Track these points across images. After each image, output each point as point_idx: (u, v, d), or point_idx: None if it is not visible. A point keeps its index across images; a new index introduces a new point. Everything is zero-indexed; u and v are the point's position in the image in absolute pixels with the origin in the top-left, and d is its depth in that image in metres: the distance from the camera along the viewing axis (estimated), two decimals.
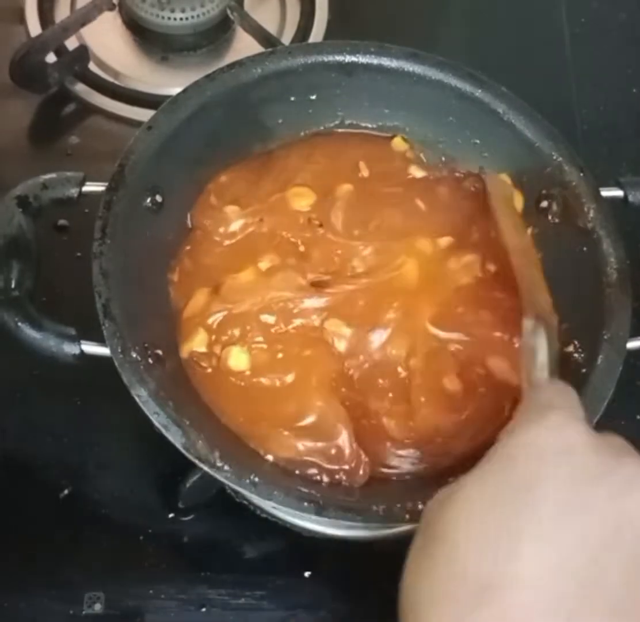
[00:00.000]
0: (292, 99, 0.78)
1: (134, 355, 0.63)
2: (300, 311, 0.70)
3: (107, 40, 0.99)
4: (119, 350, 0.63)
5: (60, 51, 0.95)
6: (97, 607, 0.71)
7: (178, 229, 0.75)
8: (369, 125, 0.81)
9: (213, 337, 0.69)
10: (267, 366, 0.69)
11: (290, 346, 0.69)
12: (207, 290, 0.71)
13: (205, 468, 0.61)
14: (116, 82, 0.96)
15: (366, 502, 0.62)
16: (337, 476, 0.66)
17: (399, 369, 0.70)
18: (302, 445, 0.66)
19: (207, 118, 0.74)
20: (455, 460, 0.67)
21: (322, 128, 0.81)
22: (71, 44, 0.96)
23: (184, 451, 0.61)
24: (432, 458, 0.68)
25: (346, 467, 0.66)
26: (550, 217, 0.75)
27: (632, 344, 0.69)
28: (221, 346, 0.69)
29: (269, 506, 0.67)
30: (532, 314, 0.61)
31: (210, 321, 0.70)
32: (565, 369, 0.68)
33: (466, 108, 0.77)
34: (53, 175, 0.70)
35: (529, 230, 0.76)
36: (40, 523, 0.75)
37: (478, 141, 0.79)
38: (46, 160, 0.91)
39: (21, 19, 0.98)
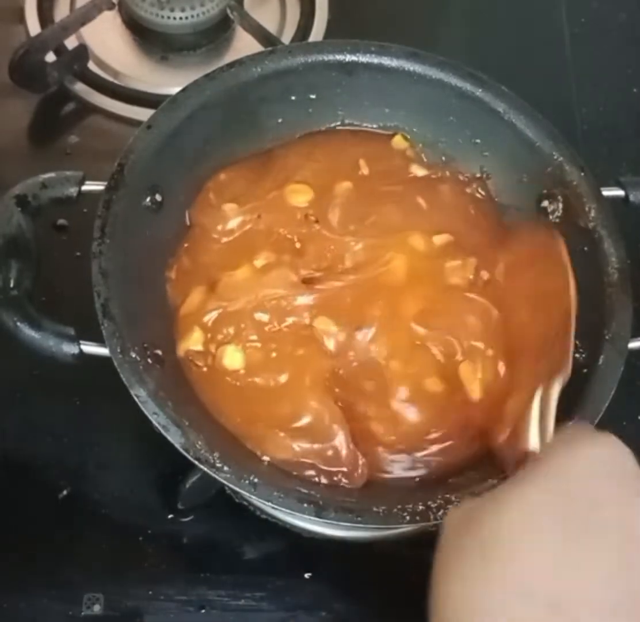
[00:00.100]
0: (292, 98, 0.78)
1: (133, 355, 0.63)
2: (293, 309, 0.71)
3: (107, 40, 0.99)
4: (118, 350, 0.63)
5: (60, 50, 0.95)
6: (97, 608, 0.71)
7: (177, 228, 0.75)
8: (369, 125, 0.81)
9: (208, 335, 0.69)
10: (261, 365, 0.69)
11: (284, 345, 0.70)
12: (203, 289, 0.71)
13: (205, 469, 0.61)
14: (116, 81, 0.96)
15: (366, 504, 0.62)
16: (335, 478, 0.66)
17: (384, 372, 0.70)
18: (298, 446, 0.66)
19: (207, 117, 0.74)
20: (453, 466, 0.67)
21: (322, 128, 0.81)
22: (71, 43, 0.96)
23: (183, 452, 0.61)
24: (427, 463, 0.68)
25: (344, 469, 0.66)
26: (551, 217, 0.75)
27: (633, 344, 0.69)
28: (216, 344, 0.69)
29: (269, 507, 0.67)
30: (566, 375, 0.61)
31: (205, 319, 0.70)
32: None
33: (466, 107, 0.77)
34: (52, 174, 0.70)
35: None
36: (40, 523, 0.75)
37: (478, 141, 0.79)
38: (45, 160, 0.91)
39: (21, 18, 0.98)
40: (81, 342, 0.65)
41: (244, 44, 0.98)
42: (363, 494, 0.65)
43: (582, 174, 0.74)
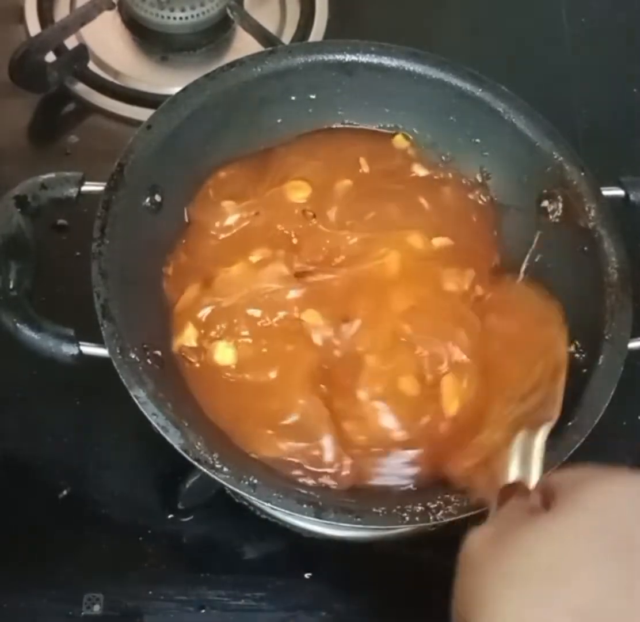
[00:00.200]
0: (293, 98, 0.78)
1: (133, 356, 0.63)
2: (284, 303, 0.71)
3: (107, 40, 0.99)
4: (118, 351, 0.62)
5: (60, 50, 0.95)
6: (96, 608, 0.71)
7: (177, 228, 0.75)
8: (369, 125, 0.81)
9: (202, 331, 0.69)
10: (252, 361, 0.69)
11: (274, 340, 0.70)
12: (199, 285, 0.71)
13: (204, 469, 0.61)
14: (116, 81, 0.96)
15: (366, 504, 0.62)
16: (320, 479, 0.66)
17: (361, 366, 0.70)
18: (285, 445, 0.66)
19: (207, 118, 0.74)
20: (433, 476, 0.66)
21: (323, 127, 0.81)
22: (71, 43, 0.96)
23: (182, 452, 0.61)
24: (410, 474, 0.67)
25: (329, 470, 0.66)
26: (551, 217, 0.75)
27: (633, 344, 0.69)
28: (209, 340, 0.69)
29: (268, 507, 0.66)
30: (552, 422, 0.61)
31: (199, 315, 0.70)
32: (566, 369, 0.68)
33: (466, 107, 0.77)
34: (52, 175, 0.70)
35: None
36: (40, 523, 0.75)
37: (478, 140, 0.78)
38: (45, 160, 0.91)
39: (21, 18, 0.98)
40: (81, 343, 0.65)
41: (244, 44, 0.98)
42: (361, 495, 0.65)
43: (582, 173, 0.74)
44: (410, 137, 0.81)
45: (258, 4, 1.02)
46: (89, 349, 0.65)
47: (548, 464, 0.63)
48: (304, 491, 0.62)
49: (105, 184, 0.68)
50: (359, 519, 0.61)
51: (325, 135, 0.81)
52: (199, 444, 0.61)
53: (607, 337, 0.68)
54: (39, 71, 0.91)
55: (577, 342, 0.70)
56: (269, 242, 0.74)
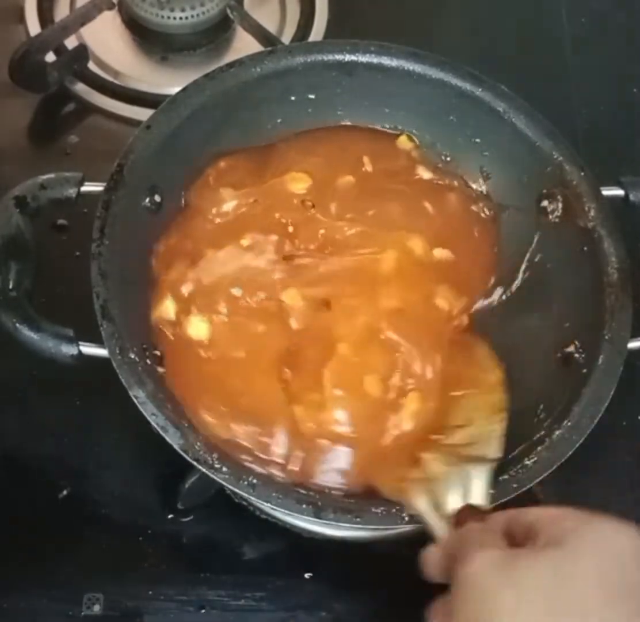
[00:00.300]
0: (292, 98, 0.78)
1: (132, 356, 0.63)
2: (266, 283, 0.71)
3: (107, 40, 0.99)
4: (117, 351, 0.63)
5: (60, 50, 0.95)
6: (96, 608, 0.71)
7: (174, 211, 0.75)
8: (369, 125, 0.81)
9: (181, 305, 0.70)
10: (224, 338, 0.69)
11: (249, 320, 0.70)
12: (187, 263, 0.72)
13: (204, 469, 0.61)
14: (116, 81, 0.96)
15: (365, 504, 0.62)
16: (268, 468, 0.65)
17: (332, 355, 0.69)
18: (237, 427, 0.66)
19: (207, 117, 0.74)
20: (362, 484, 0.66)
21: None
22: (71, 43, 0.96)
23: (182, 452, 0.61)
24: (340, 472, 0.67)
25: (279, 460, 0.66)
26: (550, 217, 0.75)
27: (633, 344, 0.69)
28: (186, 314, 0.69)
29: (268, 507, 0.66)
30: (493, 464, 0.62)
31: (182, 289, 0.70)
32: (566, 369, 0.69)
33: (466, 107, 0.77)
34: (51, 175, 0.70)
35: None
36: (40, 523, 0.75)
37: (478, 140, 0.78)
38: (45, 160, 0.91)
39: (21, 18, 0.98)
40: (80, 343, 0.65)
41: (244, 44, 0.98)
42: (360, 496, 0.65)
43: (582, 173, 0.74)
44: (415, 138, 0.80)
45: (258, 4, 1.02)
46: (88, 349, 0.65)
47: (548, 464, 0.64)
48: (303, 491, 0.62)
49: (105, 184, 0.68)
50: (358, 519, 0.61)
51: (327, 132, 0.80)
52: (198, 444, 0.61)
53: (606, 337, 0.68)
54: (39, 71, 0.91)
55: (576, 342, 0.70)
56: (263, 229, 0.74)
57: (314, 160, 0.78)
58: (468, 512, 0.57)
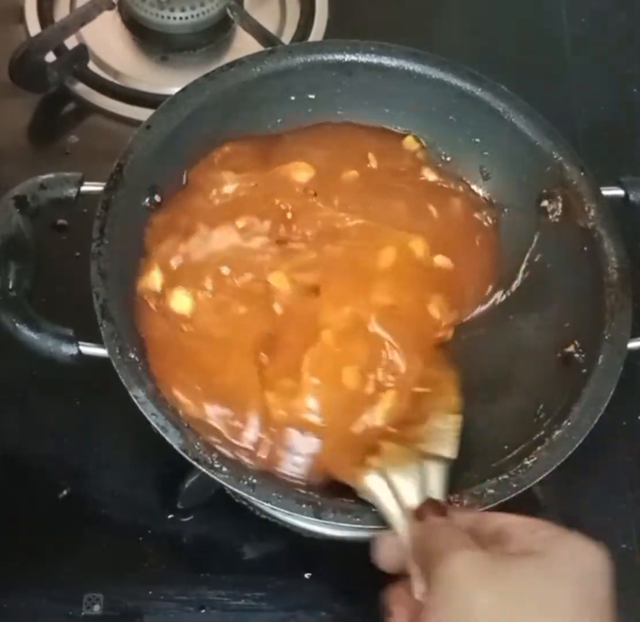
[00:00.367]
0: (292, 98, 0.78)
1: (132, 356, 0.63)
2: (255, 264, 0.70)
3: (107, 40, 0.99)
4: (117, 351, 0.62)
5: (60, 50, 0.95)
6: (96, 608, 0.71)
7: (175, 188, 0.75)
8: (370, 125, 0.81)
9: (169, 278, 0.69)
10: (205, 315, 0.69)
11: (233, 300, 0.69)
12: (179, 237, 0.71)
13: (203, 469, 0.61)
14: (116, 81, 0.96)
15: (365, 504, 0.61)
16: (236, 453, 0.65)
17: (315, 342, 0.69)
18: (210, 407, 0.65)
19: (207, 117, 0.74)
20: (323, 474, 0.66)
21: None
22: (71, 43, 0.96)
23: (181, 452, 0.61)
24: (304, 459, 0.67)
25: (248, 446, 0.65)
26: (550, 217, 0.75)
27: (633, 344, 0.69)
28: (171, 287, 0.69)
29: (268, 507, 0.66)
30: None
31: (171, 262, 0.70)
32: (566, 369, 0.68)
33: (466, 107, 0.77)
34: (51, 175, 0.69)
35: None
36: (40, 523, 0.75)
37: (478, 140, 0.78)
38: (45, 160, 0.91)
39: (21, 18, 0.98)
40: (80, 343, 0.65)
41: (244, 44, 0.98)
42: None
43: (582, 173, 0.74)
44: (421, 140, 0.80)
45: (258, 4, 1.02)
46: (88, 349, 0.65)
47: (548, 464, 0.64)
48: (303, 491, 0.62)
49: (104, 184, 0.68)
50: (358, 519, 0.61)
51: (334, 127, 0.80)
52: (198, 443, 0.61)
53: (606, 337, 0.68)
54: (39, 71, 0.91)
55: (576, 342, 0.70)
56: (260, 213, 0.74)
57: (319, 152, 0.78)
58: (430, 506, 0.58)
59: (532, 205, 0.76)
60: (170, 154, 0.72)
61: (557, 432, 0.65)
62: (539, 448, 0.65)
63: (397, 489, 0.59)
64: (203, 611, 0.72)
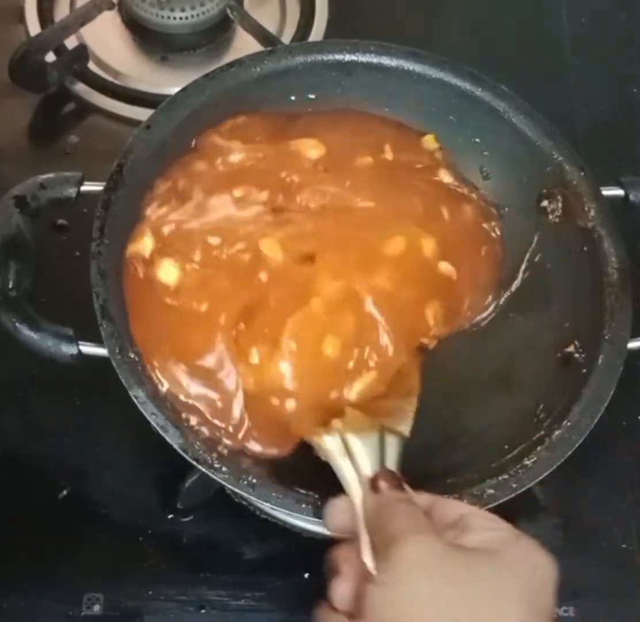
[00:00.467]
0: (292, 98, 0.78)
1: (132, 355, 0.63)
2: (248, 233, 0.69)
3: (107, 40, 0.99)
4: (117, 351, 0.62)
5: (60, 50, 0.95)
6: (96, 608, 0.71)
7: (182, 151, 0.74)
8: (390, 118, 0.80)
9: (159, 245, 0.69)
10: (191, 287, 0.68)
11: (219, 273, 0.68)
12: (175, 203, 0.71)
13: (203, 469, 0.61)
14: (116, 81, 0.96)
15: None
16: (217, 433, 0.65)
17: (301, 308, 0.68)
18: (194, 386, 0.65)
19: (207, 117, 0.74)
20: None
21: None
22: (71, 43, 0.96)
23: (181, 452, 0.61)
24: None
25: (227, 427, 0.65)
26: (550, 217, 0.75)
27: (633, 344, 0.69)
28: (160, 255, 0.68)
29: (268, 507, 0.66)
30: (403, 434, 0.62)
31: (163, 229, 0.69)
32: (566, 369, 0.68)
33: (466, 107, 0.77)
34: (51, 175, 0.69)
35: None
36: (40, 523, 0.75)
37: (478, 140, 0.78)
38: (45, 160, 0.91)
39: (21, 18, 0.98)
40: (80, 342, 0.65)
41: (244, 44, 0.98)
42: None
43: (582, 173, 0.74)
44: (441, 140, 0.79)
45: (258, 4, 1.02)
46: (88, 348, 0.65)
47: (548, 464, 0.64)
48: (303, 491, 0.62)
49: (104, 184, 0.68)
50: None
51: (353, 114, 0.79)
52: (198, 443, 0.61)
53: (606, 337, 0.68)
54: (39, 71, 0.91)
55: (576, 342, 0.70)
56: (261, 183, 0.73)
57: (334, 135, 0.77)
58: (386, 477, 0.57)
59: (532, 205, 0.76)
60: (170, 154, 0.72)
61: (557, 432, 0.65)
62: (539, 448, 0.65)
63: (355, 455, 0.59)
64: (203, 611, 0.72)
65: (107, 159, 0.70)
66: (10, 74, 0.89)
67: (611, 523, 0.78)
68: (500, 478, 0.63)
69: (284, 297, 0.68)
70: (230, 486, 0.61)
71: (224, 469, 0.61)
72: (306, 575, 0.73)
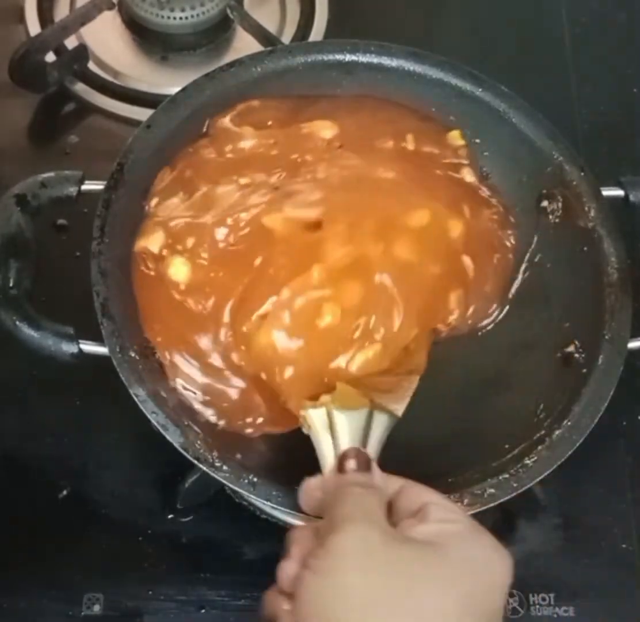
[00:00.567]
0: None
1: (133, 354, 0.63)
2: (253, 216, 0.68)
3: (107, 40, 0.99)
4: (117, 349, 0.62)
5: (60, 50, 0.95)
6: (96, 608, 0.71)
7: (193, 136, 0.74)
8: (416, 108, 0.79)
9: (169, 241, 0.68)
10: (200, 285, 0.67)
11: (226, 266, 0.67)
12: (183, 196, 0.70)
13: (204, 468, 0.61)
14: (116, 81, 0.96)
15: None
16: (239, 422, 0.65)
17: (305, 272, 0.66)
18: (205, 380, 0.65)
19: (207, 117, 0.74)
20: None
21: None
22: (71, 43, 0.96)
23: (182, 451, 0.61)
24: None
25: (248, 419, 0.65)
26: (550, 217, 0.75)
27: (633, 344, 0.69)
28: (171, 252, 0.68)
29: (268, 506, 0.66)
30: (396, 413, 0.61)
31: (172, 224, 0.68)
32: (566, 369, 0.68)
33: (466, 107, 0.77)
34: (51, 174, 0.70)
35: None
36: (40, 523, 0.75)
37: (478, 140, 0.78)
38: (45, 160, 0.91)
39: (21, 18, 0.99)
40: (80, 341, 0.65)
41: (244, 44, 0.98)
42: None
43: (582, 174, 0.74)
44: (467, 137, 0.78)
45: (258, 4, 1.02)
46: (88, 347, 0.65)
47: (549, 464, 0.64)
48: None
49: (105, 183, 0.68)
50: None
51: (376, 101, 0.78)
52: (198, 442, 0.61)
53: (606, 337, 0.68)
54: (39, 71, 0.91)
55: (576, 342, 0.70)
56: (270, 168, 0.72)
57: (352, 119, 0.75)
58: (353, 457, 0.55)
59: (532, 205, 0.76)
60: (170, 154, 0.72)
61: (557, 432, 0.65)
62: (539, 448, 0.65)
63: (337, 431, 0.58)
64: (203, 610, 0.72)
65: (107, 159, 0.70)
66: (10, 74, 0.89)
67: (611, 523, 0.78)
68: (500, 477, 0.63)
69: (285, 266, 0.66)
70: (230, 485, 0.61)
71: (224, 467, 0.61)
72: None
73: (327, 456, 0.57)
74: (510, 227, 0.76)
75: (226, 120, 0.74)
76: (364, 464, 0.55)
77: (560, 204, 0.75)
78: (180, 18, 0.96)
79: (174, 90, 0.75)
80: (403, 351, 0.67)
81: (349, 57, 0.77)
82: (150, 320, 0.66)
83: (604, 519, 0.78)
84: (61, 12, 1.00)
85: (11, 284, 0.65)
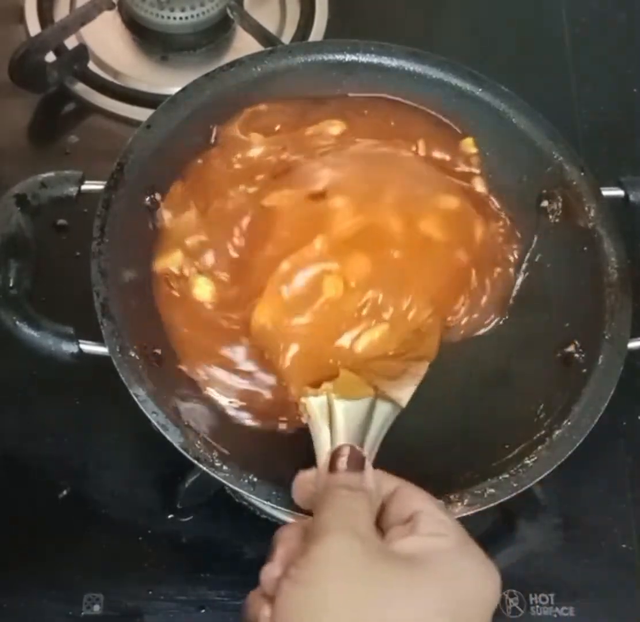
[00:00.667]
0: None
1: (133, 354, 0.63)
2: (252, 201, 0.68)
3: (107, 40, 0.99)
4: (117, 349, 0.62)
5: (60, 50, 0.95)
6: (96, 608, 0.71)
7: (200, 147, 0.74)
8: (429, 112, 0.79)
9: (187, 259, 0.68)
10: (226, 300, 0.67)
11: (245, 276, 0.67)
12: (195, 211, 0.70)
13: (204, 468, 0.61)
14: (116, 81, 0.96)
15: None
16: (273, 422, 0.65)
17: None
18: (239, 384, 0.65)
19: (207, 117, 0.74)
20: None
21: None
22: (71, 43, 0.96)
23: (182, 451, 0.61)
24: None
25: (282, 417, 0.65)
26: (550, 217, 0.75)
27: (633, 344, 0.69)
28: (190, 270, 0.68)
29: (268, 506, 0.66)
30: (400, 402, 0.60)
31: (189, 242, 0.69)
32: (566, 369, 0.68)
33: (466, 107, 0.77)
34: (51, 174, 0.70)
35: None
36: (40, 523, 0.75)
37: (478, 141, 0.78)
38: (45, 160, 0.91)
39: (21, 18, 0.99)
40: (80, 341, 0.65)
41: (244, 44, 0.98)
42: None
43: (582, 174, 0.74)
44: (480, 145, 0.77)
45: (258, 4, 1.02)
46: (88, 347, 0.65)
47: (549, 464, 0.64)
48: None
49: (105, 183, 0.68)
50: None
51: (389, 103, 0.77)
52: (198, 442, 0.61)
53: (606, 337, 0.68)
54: (39, 71, 0.91)
55: (576, 342, 0.70)
56: (276, 171, 0.72)
57: (363, 120, 0.75)
58: (345, 455, 0.54)
59: (532, 205, 0.76)
60: (170, 153, 0.72)
61: (557, 432, 0.65)
62: (539, 448, 0.65)
63: (336, 424, 0.57)
64: (203, 610, 0.72)
65: (107, 159, 0.70)
66: (10, 74, 0.89)
67: (611, 523, 0.78)
68: (500, 477, 0.63)
69: (287, 239, 0.65)
70: (230, 485, 0.61)
71: (224, 467, 0.61)
72: None
73: (324, 448, 0.56)
74: (516, 242, 0.75)
75: (234, 129, 0.74)
76: (357, 464, 0.53)
77: (560, 204, 0.75)
78: (180, 18, 0.96)
79: (174, 90, 0.75)
80: (414, 334, 0.65)
81: (349, 57, 0.77)
82: (179, 340, 0.67)
83: (604, 519, 0.78)
84: (61, 12, 1.00)
85: (11, 284, 0.65)
